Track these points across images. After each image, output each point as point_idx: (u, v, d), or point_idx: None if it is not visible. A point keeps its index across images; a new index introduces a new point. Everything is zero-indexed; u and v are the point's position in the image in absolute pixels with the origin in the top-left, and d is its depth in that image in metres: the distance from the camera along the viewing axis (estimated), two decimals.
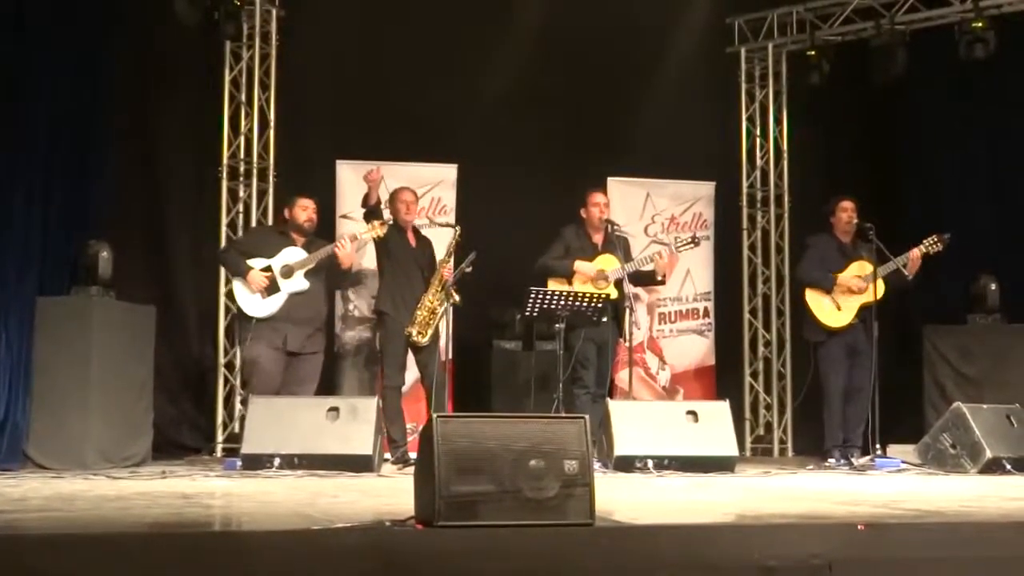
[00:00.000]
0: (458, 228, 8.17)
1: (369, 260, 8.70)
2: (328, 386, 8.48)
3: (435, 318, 7.97)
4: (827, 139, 10.62)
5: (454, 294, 7.83)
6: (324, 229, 8.46)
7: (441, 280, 7.97)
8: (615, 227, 8.38)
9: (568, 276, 8.15)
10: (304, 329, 7.90)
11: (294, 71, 9.60)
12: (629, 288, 8.11)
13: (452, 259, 8.05)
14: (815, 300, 8.40)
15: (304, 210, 8.02)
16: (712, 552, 3.86)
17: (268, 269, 7.85)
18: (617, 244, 8.28)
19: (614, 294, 8.12)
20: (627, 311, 8.15)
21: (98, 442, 7.39)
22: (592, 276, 8.16)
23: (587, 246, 8.33)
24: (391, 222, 8.14)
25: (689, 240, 8.52)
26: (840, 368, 8.34)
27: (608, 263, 8.22)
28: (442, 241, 8.39)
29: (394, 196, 8.34)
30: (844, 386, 8.34)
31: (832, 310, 8.34)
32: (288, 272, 7.84)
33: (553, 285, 8.04)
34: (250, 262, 7.89)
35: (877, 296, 8.10)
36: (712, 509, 5.24)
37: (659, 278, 8.39)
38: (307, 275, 7.87)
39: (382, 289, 8.17)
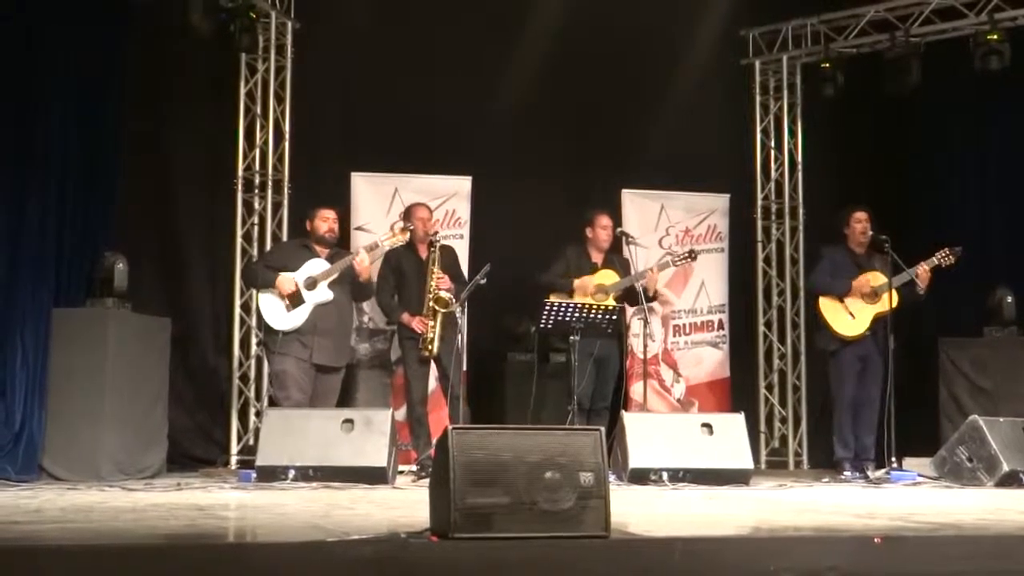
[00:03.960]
0: (438, 241, 8.17)
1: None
2: (342, 397, 8.47)
3: (435, 327, 7.98)
4: (842, 151, 10.60)
5: (451, 303, 7.83)
6: (339, 241, 8.47)
7: (432, 292, 7.97)
8: (629, 239, 8.43)
9: (568, 292, 8.24)
10: (331, 340, 7.92)
11: (309, 83, 9.62)
12: (643, 301, 8.15)
13: (436, 270, 8.05)
14: (829, 309, 8.40)
15: (324, 221, 8.05)
16: (727, 565, 3.86)
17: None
18: (618, 262, 8.45)
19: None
20: (643, 323, 8.20)
21: (113, 454, 7.40)
22: (591, 291, 8.23)
23: (587, 265, 8.47)
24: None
25: (686, 254, 8.55)
26: (850, 379, 8.34)
27: (608, 278, 8.34)
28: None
29: (410, 213, 8.39)
30: (854, 397, 8.34)
31: (847, 319, 8.34)
32: (312, 284, 7.84)
33: (556, 299, 8.08)
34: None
35: (892, 305, 8.08)
36: (727, 522, 5.23)
37: (650, 294, 8.38)
38: (331, 286, 7.88)
39: (398, 307, 8.22)
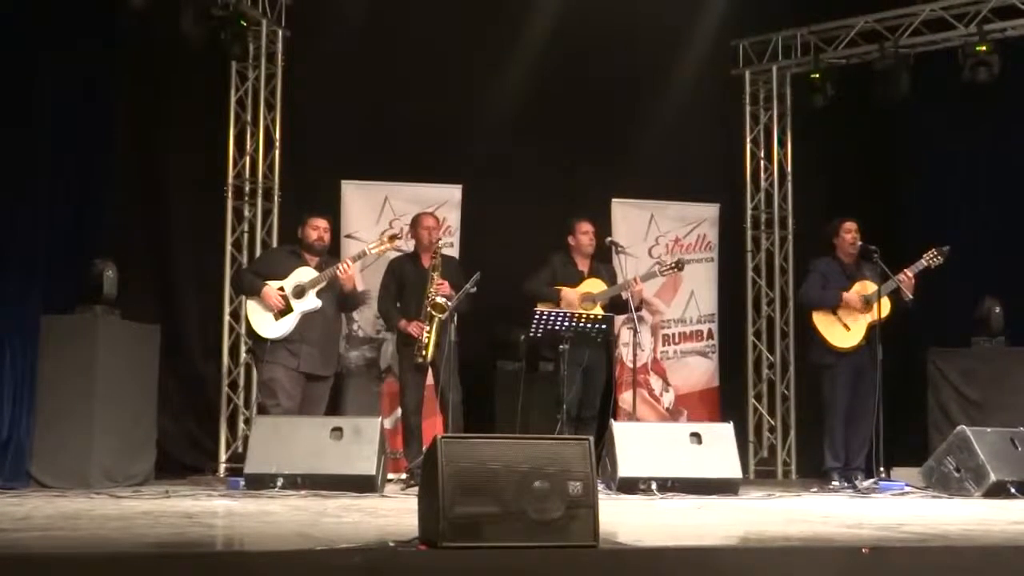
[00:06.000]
0: (440, 247, 8.21)
1: (372, 280, 8.70)
2: (332, 406, 8.48)
3: (431, 333, 7.98)
4: (831, 161, 10.63)
5: (444, 308, 7.83)
6: (330, 249, 8.46)
7: (430, 297, 7.98)
8: (619, 248, 8.44)
9: (555, 302, 8.25)
10: (318, 349, 7.91)
11: (300, 91, 9.63)
12: (632, 310, 8.15)
13: (436, 276, 8.05)
14: (824, 322, 8.38)
15: (315, 229, 8.02)
16: (716, 575, 3.85)
17: (281, 290, 7.85)
18: (605, 270, 8.48)
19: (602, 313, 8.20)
20: (632, 332, 8.20)
21: (101, 461, 7.39)
22: (577, 300, 8.25)
23: (573, 273, 8.48)
24: (406, 249, 8.23)
25: (673, 265, 8.56)
26: (846, 390, 8.32)
27: (595, 287, 8.37)
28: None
29: (416, 222, 8.39)
30: (848, 408, 8.33)
31: (842, 331, 8.32)
32: (300, 292, 7.83)
33: (546, 308, 8.08)
34: None
35: (882, 315, 8.08)
36: (716, 531, 5.22)
37: (636, 304, 8.35)
38: (319, 294, 7.86)
39: (397, 313, 8.22)
